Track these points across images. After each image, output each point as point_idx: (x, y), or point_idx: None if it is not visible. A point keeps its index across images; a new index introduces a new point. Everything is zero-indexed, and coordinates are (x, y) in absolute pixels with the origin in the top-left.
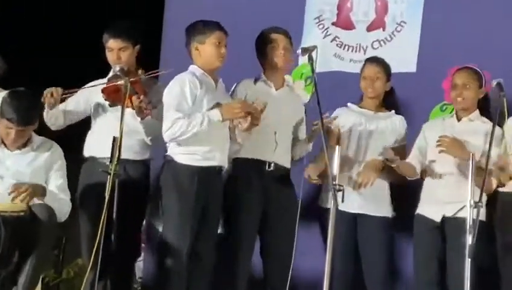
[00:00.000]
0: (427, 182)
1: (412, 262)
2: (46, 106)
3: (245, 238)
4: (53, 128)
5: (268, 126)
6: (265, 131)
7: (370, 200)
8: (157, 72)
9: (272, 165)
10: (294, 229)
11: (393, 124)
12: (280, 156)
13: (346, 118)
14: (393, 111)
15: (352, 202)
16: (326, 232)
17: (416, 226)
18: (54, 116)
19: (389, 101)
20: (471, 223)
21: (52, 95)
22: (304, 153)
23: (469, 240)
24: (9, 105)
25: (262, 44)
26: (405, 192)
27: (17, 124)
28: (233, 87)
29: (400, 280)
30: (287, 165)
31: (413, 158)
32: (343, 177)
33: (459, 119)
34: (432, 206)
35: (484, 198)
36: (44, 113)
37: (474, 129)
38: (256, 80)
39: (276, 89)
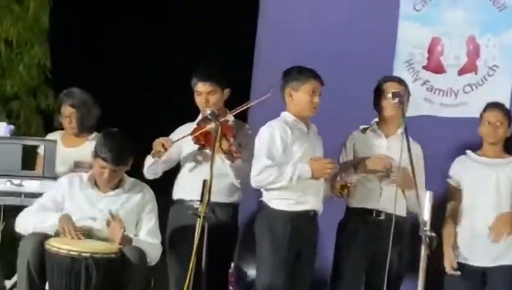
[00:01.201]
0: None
1: None
2: (152, 155)
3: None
4: (150, 177)
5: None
6: (372, 179)
7: (498, 252)
8: (251, 102)
9: (382, 214)
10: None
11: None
12: (388, 203)
13: (465, 167)
14: None
15: (480, 255)
16: None
17: None
18: (155, 166)
19: (507, 146)
20: None
21: (163, 146)
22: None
23: None
24: (103, 145)
25: (376, 93)
26: None
27: (111, 163)
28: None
29: None
30: (401, 213)
31: None
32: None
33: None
34: None
35: None
36: (147, 164)
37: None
38: (364, 130)
39: (387, 138)
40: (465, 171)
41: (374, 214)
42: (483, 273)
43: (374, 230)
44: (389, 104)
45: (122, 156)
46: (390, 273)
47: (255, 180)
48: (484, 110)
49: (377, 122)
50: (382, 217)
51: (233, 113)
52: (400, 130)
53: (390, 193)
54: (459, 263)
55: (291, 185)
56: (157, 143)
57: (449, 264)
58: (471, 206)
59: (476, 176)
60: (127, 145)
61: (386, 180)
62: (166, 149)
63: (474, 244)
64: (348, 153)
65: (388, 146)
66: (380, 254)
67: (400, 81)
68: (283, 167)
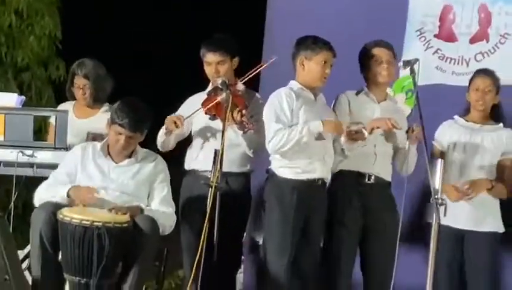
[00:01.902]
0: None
1: None
2: (164, 131)
3: (344, 251)
4: (163, 150)
5: (368, 139)
6: (367, 143)
7: (479, 215)
8: (259, 67)
9: (372, 177)
10: (395, 244)
11: (499, 137)
12: (380, 168)
13: (451, 131)
14: (501, 124)
15: (459, 217)
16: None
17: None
18: (168, 140)
19: (497, 115)
20: None
21: (175, 123)
22: (411, 163)
23: None
24: (121, 110)
25: (366, 59)
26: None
27: (128, 128)
28: (335, 98)
29: None
30: (388, 178)
31: None
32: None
33: (475, 122)
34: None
35: None
36: (159, 138)
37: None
38: (358, 92)
39: (379, 102)
40: (451, 135)
41: (367, 178)
42: (462, 237)
43: (367, 196)
44: (382, 69)
45: (140, 122)
46: (385, 238)
47: (270, 146)
48: (473, 77)
49: (367, 86)
50: (372, 181)
51: (243, 80)
52: (391, 95)
53: (382, 158)
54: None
55: (305, 138)
56: (170, 121)
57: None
58: (454, 170)
59: (461, 141)
60: (144, 112)
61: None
62: (178, 127)
63: (456, 207)
64: (343, 108)
65: (381, 110)
66: (373, 219)
67: (390, 47)
68: (293, 126)
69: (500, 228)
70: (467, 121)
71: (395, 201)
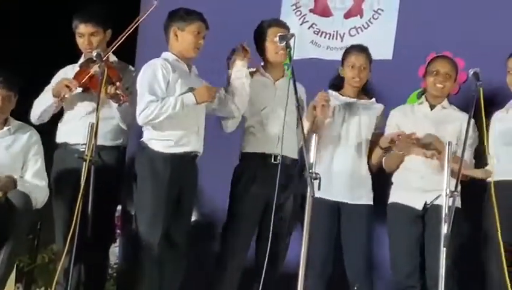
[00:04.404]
0: (403, 170)
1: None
2: (50, 101)
3: (243, 229)
4: (37, 123)
5: (269, 118)
6: (268, 123)
7: (353, 188)
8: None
9: (278, 157)
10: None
11: (373, 112)
12: (285, 147)
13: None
14: (373, 99)
15: (335, 190)
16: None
17: (394, 215)
18: (49, 112)
19: (365, 89)
20: (446, 212)
21: (68, 87)
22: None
23: (444, 229)
24: None
25: (258, 38)
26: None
27: (2, 85)
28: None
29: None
30: (294, 156)
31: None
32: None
33: (432, 107)
34: (410, 193)
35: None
36: (39, 108)
37: (449, 116)
38: (251, 73)
39: (275, 81)
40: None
41: (272, 158)
42: (338, 209)
43: (271, 174)
44: (275, 47)
45: (14, 79)
46: (284, 215)
47: (141, 118)
48: (347, 52)
49: (263, 66)
50: (278, 161)
51: (114, 47)
52: (287, 74)
53: (286, 137)
54: None
55: (177, 113)
56: (61, 85)
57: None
58: (330, 144)
59: (340, 114)
60: (14, 72)
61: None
62: (71, 91)
63: (332, 180)
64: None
65: (277, 88)
66: (275, 197)
67: (282, 24)
68: (166, 99)
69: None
70: (341, 95)
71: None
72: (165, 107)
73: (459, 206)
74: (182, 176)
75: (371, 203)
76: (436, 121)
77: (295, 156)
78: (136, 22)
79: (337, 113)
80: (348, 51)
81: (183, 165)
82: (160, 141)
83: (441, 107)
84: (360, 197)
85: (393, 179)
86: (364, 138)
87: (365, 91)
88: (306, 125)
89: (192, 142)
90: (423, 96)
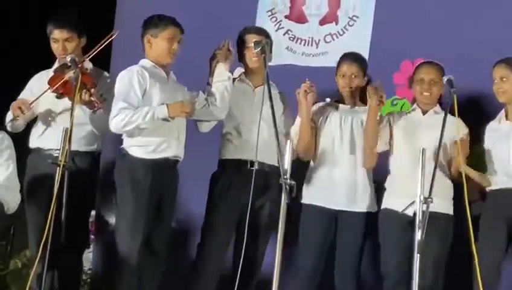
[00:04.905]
0: (395, 176)
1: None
2: (12, 115)
3: (219, 236)
4: (14, 132)
5: (246, 125)
6: (245, 130)
7: (349, 196)
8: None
9: (255, 164)
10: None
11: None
12: (264, 153)
13: (327, 113)
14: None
15: (331, 198)
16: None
17: (386, 222)
18: (18, 125)
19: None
20: (420, 218)
21: (20, 109)
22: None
23: (418, 235)
24: None
25: (239, 46)
26: None
27: None
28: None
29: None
30: (273, 162)
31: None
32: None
33: (424, 113)
34: (402, 200)
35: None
36: (7, 118)
37: (441, 121)
38: (234, 79)
39: (255, 88)
40: (323, 116)
41: (249, 164)
42: (335, 217)
43: (247, 181)
44: (252, 54)
45: None
46: (261, 222)
47: (113, 124)
48: (339, 61)
49: (244, 73)
50: (256, 167)
51: (90, 56)
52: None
53: (263, 143)
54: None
55: (147, 124)
56: (14, 108)
57: None
58: (326, 150)
59: (333, 122)
60: None
61: None
62: (23, 113)
63: (328, 187)
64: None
65: (256, 95)
66: (253, 203)
67: (260, 31)
68: (139, 108)
69: (373, 207)
70: (336, 102)
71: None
72: (135, 116)
73: (451, 213)
74: (163, 182)
75: (372, 210)
76: (429, 126)
77: (275, 162)
78: (110, 38)
79: (334, 120)
80: (340, 60)
81: (164, 171)
82: (140, 147)
83: (433, 112)
84: (357, 205)
85: (386, 185)
86: (358, 140)
87: (362, 98)
88: (298, 121)
89: (172, 148)
90: (415, 104)
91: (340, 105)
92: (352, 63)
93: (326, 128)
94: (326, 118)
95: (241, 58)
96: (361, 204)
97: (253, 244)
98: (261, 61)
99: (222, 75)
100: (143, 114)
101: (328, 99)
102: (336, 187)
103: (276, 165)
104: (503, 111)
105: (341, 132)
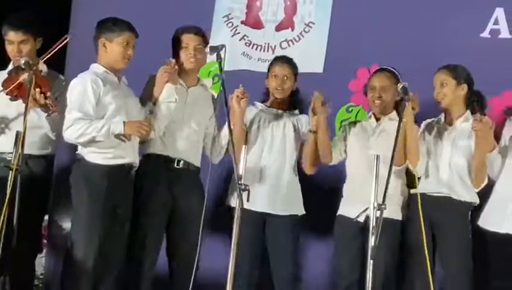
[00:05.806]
0: (349, 183)
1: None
2: None
3: (150, 236)
4: None
5: (176, 123)
6: (175, 129)
7: (279, 199)
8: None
9: (181, 162)
10: (199, 229)
11: (299, 123)
12: (190, 154)
13: (253, 116)
14: (297, 111)
15: (261, 201)
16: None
17: (339, 228)
18: None
19: (295, 101)
20: (374, 224)
21: None
22: (220, 151)
23: (371, 241)
24: None
25: (175, 45)
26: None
27: None
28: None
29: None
30: (197, 163)
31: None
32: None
33: (377, 120)
34: (354, 206)
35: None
36: None
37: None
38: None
39: (188, 88)
40: (252, 119)
41: (175, 162)
42: (264, 220)
43: (175, 178)
44: (189, 56)
45: None
46: (191, 221)
47: (66, 135)
48: (271, 63)
49: (178, 73)
50: (181, 165)
51: (44, 59)
52: (201, 81)
53: (191, 144)
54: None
55: (101, 137)
56: None
57: None
58: (258, 155)
59: (265, 126)
60: None
61: None
62: None
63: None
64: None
65: (188, 95)
66: (180, 201)
67: (197, 32)
68: (95, 120)
69: (300, 210)
70: (268, 107)
71: (202, 186)
72: (90, 129)
73: (400, 219)
74: (119, 188)
75: (299, 213)
76: (382, 132)
77: (198, 164)
78: (62, 42)
79: (262, 123)
80: (272, 62)
81: (119, 177)
82: (96, 153)
83: (388, 118)
84: (288, 208)
85: (343, 191)
86: (289, 145)
87: (292, 103)
88: (226, 125)
89: (128, 154)
90: (371, 111)
91: (270, 109)
92: (284, 64)
93: (255, 132)
94: (258, 122)
95: (176, 57)
96: (286, 207)
97: (183, 241)
98: (198, 63)
99: (171, 97)
100: (98, 127)
101: (257, 103)
102: (264, 191)
103: (198, 166)
104: (443, 113)
105: (272, 136)
